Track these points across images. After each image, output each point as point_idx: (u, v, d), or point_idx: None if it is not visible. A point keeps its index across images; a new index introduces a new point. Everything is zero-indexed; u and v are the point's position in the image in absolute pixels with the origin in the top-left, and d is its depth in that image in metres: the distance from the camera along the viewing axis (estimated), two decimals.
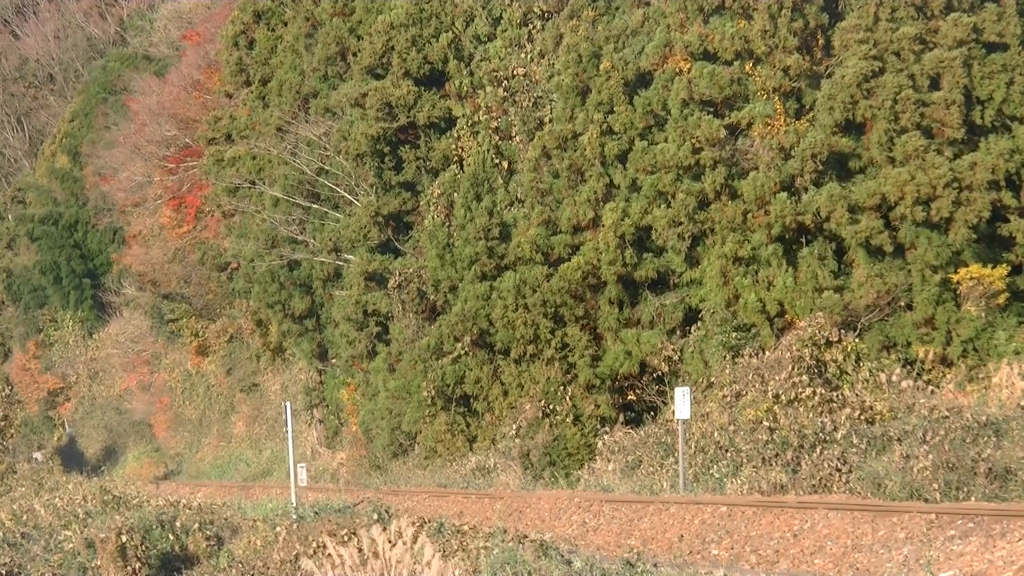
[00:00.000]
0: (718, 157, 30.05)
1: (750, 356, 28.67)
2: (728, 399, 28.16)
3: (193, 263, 54.44)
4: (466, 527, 19.43)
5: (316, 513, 24.51)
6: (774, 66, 30.05)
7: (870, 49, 28.79)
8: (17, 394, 62.65)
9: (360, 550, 13.70)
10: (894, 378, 27.39)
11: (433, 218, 36.98)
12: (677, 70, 31.38)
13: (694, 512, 21.91)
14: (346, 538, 17.45)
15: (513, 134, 36.74)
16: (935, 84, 28.66)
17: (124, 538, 22.32)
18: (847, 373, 28.03)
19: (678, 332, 31.48)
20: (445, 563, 16.27)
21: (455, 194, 36.26)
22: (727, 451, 26.28)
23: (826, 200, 28.72)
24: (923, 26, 29.01)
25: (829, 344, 28.21)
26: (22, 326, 72.63)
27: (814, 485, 23.03)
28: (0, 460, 49.85)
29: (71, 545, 24.05)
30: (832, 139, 29.08)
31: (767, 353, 28.70)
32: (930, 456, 21.53)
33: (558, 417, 32.05)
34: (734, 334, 29.91)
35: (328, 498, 29.56)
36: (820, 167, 29.26)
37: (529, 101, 36.26)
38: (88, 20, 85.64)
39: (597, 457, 30.50)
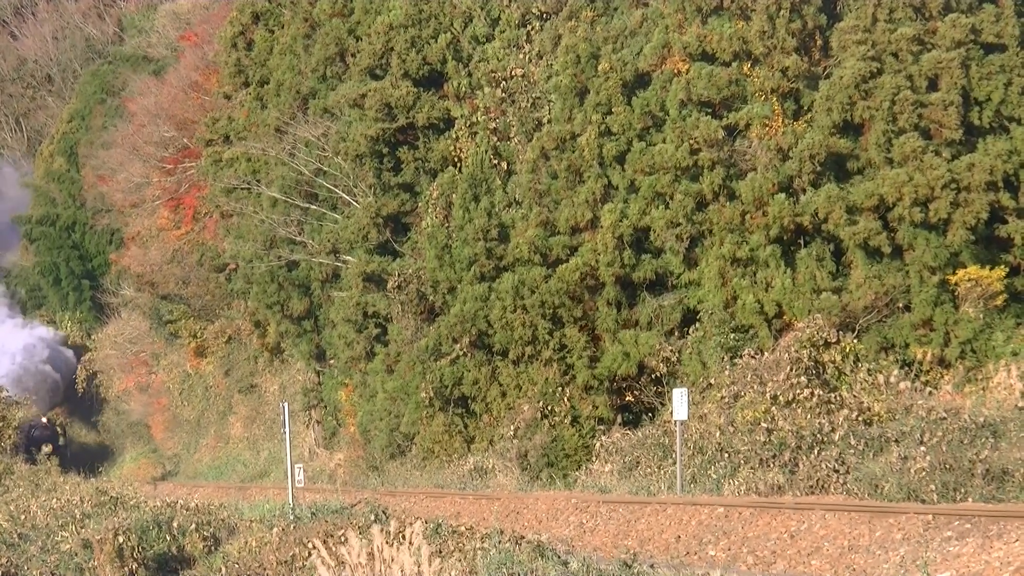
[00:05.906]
0: (716, 158, 30.04)
1: (748, 357, 28.65)
2: (726, 400, 28.14)
3: (191, 264, 54.37)
4: (463, 528, 19.40)
5: (313, 514, 24.47)
6: (772, 67, 30.05)
7: (868, 50, 28.80)
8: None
9: (356, 551, 13.69)
10: (892, 379, 27.39)
11: (432, 219, 36.92)
12: (675, 71, 31.38)
13: (691, 513, 21.88)
14: (342, 539, 17.42)
15: (511, 135, 36.70)
16: (933, 85, 28.66)
17: (121, 539, 22.29)
18: (845, 374, 28.03)
19: (676, 333, 31.45)
20: (442, 564, 16.25)
21: (453, 195, 36.22)
22: (725, 452, 26.27)
23: (824, 201, 28.71)
24: (921, 27, 29.03)
25: (827, 345, 28.21)
26: None
27: (811, 486, 23.03)
28: None
29: (68, 546, 23.99)
30: (830, 140, 29.08)
31: (765, 354, 28.69)
32: (927, 457, 21.54)
33: (556, 418, 32.02)
34: (732, 335, 29.90)
35: (325, 499, 29.51)
36: (818, 168, 29.26)
37: (527, 102, 36.24)
38: (86, 21, 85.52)
39: (595, 458, 30.47)
